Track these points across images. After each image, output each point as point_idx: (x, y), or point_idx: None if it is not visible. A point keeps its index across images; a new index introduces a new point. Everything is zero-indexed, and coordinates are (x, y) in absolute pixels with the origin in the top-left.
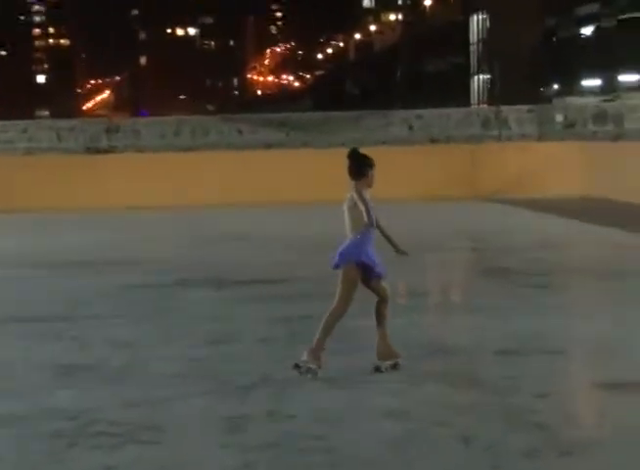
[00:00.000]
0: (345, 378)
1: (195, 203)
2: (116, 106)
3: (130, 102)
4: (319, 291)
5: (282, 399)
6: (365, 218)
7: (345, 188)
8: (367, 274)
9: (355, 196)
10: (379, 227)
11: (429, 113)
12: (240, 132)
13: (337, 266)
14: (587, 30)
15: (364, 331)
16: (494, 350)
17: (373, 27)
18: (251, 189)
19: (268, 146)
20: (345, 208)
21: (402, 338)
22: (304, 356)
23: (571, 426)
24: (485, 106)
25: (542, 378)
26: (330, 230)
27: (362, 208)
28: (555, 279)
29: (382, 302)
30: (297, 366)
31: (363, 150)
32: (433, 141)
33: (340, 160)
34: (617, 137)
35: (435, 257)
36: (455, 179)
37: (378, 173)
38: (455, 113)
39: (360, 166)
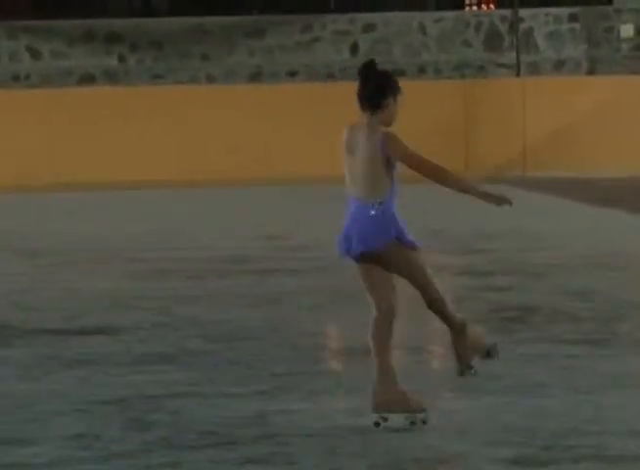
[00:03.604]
0: None
1: None
2: None
3: None
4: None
5: None
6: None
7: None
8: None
9: (390, 141)
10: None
11: (386, 20)
12: (35, 55)
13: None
14: None
15: None
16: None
17: None
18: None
19: (87, 80)
20: (361, 155)
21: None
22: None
23: None
24: (492, 8)
25: None
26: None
27: (421, 159)
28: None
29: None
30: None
31: (267, 88)
32: (393, 73)
33: (228, 106)
34: None
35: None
36: (435, 143)
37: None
38: (435, 20)
39: (380, 90)
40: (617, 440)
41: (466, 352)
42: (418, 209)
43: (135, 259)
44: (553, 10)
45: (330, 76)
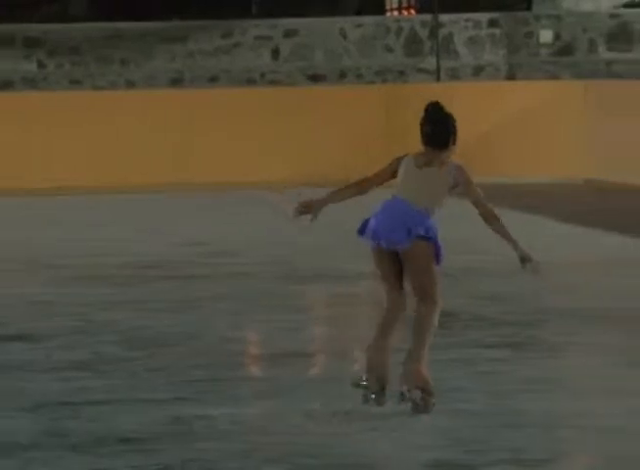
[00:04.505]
0: None
1: None
2: None
3: None
4: None
5: None
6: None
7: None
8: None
9: (462, 174)
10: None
11: (307, 25)
12: None
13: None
14: None
15: None
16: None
17: None
18: None
19: (5, 85)
20: (433, 176)
21: None
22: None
23: None
24: (413, 13)
25: None
26: None
27: (482, 199)
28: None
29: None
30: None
31: (188, 93)
32: (314, 77)
33: (148, 112)
34: None
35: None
36: (356, 147)
37: (222, 141)
38: (356, 26)
39: (453, 130)
40: (536, 443)
41: (417, 377)
42: (344, 213)
43: (57, 266)
44: (473, 15)
45: (251, 81)
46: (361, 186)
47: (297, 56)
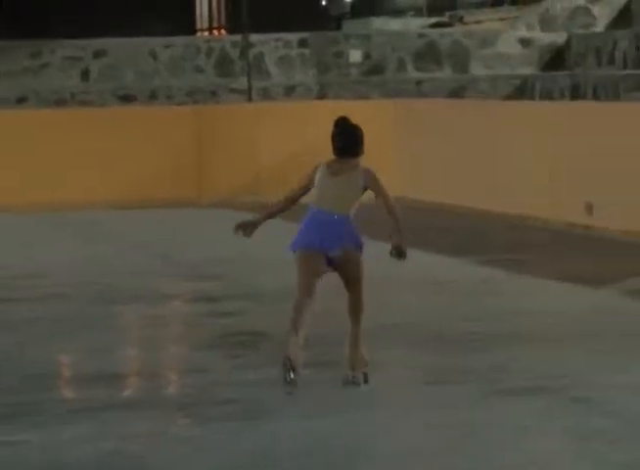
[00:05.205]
0: None
1: None
2: None
3: None
4: None
5: None
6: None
7: None
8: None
9: (370, 177)
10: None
11: (117, 45)
12: None
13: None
14: None
15: None
16: None
17: None
18: None
19: None
20: (346, 181)
21: None
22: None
23: None
24: (223, 34)
25: None
26: None
27: (388, 196)
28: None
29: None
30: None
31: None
32: (125, 98)
33: None
34: (457, 90)
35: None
36: (168, 168)
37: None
38: (166, 46)
39: (361, 141)
40: (336, 465)
41: (360, 361)
42: (151, 233)
43: None
44: (283, 35)
45: (60, 102)
46: (291, 199)
47: (108, 76)
